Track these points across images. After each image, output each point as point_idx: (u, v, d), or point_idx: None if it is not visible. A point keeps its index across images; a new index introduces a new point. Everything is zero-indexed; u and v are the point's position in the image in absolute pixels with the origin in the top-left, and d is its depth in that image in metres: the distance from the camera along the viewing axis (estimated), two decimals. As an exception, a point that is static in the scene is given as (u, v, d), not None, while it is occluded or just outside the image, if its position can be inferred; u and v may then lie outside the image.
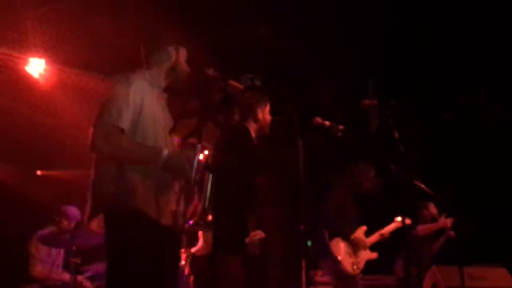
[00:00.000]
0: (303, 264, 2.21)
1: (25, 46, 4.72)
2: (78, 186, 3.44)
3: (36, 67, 4.75)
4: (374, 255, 4.66)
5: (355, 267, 4.45)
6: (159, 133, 2.40)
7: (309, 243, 5.98)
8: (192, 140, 2.14)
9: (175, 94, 2.40)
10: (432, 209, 5.80)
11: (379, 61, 4.92)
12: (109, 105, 2.31)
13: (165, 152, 2.27)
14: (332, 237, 4.47)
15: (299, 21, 4.70)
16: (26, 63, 4.75)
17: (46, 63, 4.79)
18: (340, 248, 4.44)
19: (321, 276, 5.47)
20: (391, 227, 4.74)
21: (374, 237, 4.68)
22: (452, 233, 5.70)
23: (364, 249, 4.60)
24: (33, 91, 4.87)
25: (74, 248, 4.11)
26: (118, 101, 2.31)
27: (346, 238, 4.51)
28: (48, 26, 4.62)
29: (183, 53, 2.54)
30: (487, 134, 5.78)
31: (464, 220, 5.28)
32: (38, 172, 5.05)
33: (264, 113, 3.00)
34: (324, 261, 4.57)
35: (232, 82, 2.08)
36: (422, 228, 5.42)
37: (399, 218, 4.68)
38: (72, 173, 5.35)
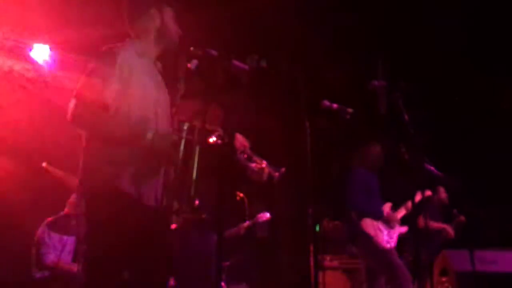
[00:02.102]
0: (311, 248, 2.15)
1: (29, 32, 4.67)
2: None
3: (41, 52, 4.70)
4: (405, 228, 4.61)
5: (388, 241, 4.41)
6: (149, 107, 2.24)
7: (317, 228, 6.02)
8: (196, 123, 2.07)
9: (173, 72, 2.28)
10: (442, 194, 5.76)
11: (388, 41, 4.81)
12: (91, 77, 2.15)
13: (149, 134, 2.14)
14: (360, 217, 4.43)
15: (307, 1, 4.59)
16: (30, 48, 4.70)
17: (51, 49, 4.75)
18: (371, 226, 4.41)
19: (329, 261, 5.46)
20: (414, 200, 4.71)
21: (401, 212, 4.62)
22: (462, 217, 5.66)
23: (395, 224, 4.55)
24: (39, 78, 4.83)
25: (81, 235, 4.09)
26: (102, 73, 2.14)
27: (375, 216, 4.47)
28: (53, 11, 4.56)
29: (168, 13, 2.35)
30: (500, 118, 5.69)
31: (474, 204, 5.22)
32: (44, 164, 5.02)
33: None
34: (356, 242, 4.53)
35: (236, 62, 2.01)
36: (432, 224, 5.37)
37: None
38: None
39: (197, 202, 2.10)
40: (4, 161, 5.13)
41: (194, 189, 2.05)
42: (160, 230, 2.20)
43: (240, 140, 2.98)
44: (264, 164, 2.96)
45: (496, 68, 5.27)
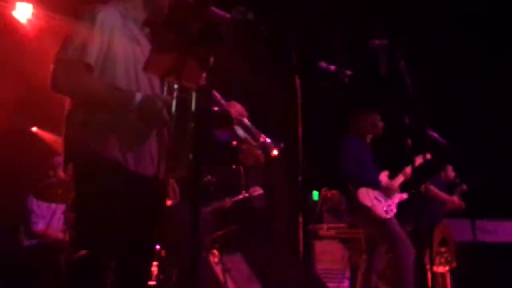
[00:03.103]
0: (300, 219, 2.00)
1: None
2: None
3: (23, 11, 4.47)
4: (404, 195, 4.48)
5: (387, 210, 4.28)
6: (134, 73, 2.11)
7: (315, 197, 5.91)
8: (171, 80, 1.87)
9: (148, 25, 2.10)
10: (450, 172, 5.60)
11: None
12: (72, 38, 2.01)
13: (138, 95, 2.01)
14: (356, 188, 4.30)
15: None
16: (13, 7, 4.47)
17: (34, 7, 4.51)
18: (368, 196, 4.27)
19: (326, 230, 5.36)
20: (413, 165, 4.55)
21: (398, 179, 4.47)
22: (464, 186, 5.52)
23: (394, 193, 4.41)
24: (22, 37, 4.61)
25: (69, 202, 3.96)
26: (83, 34, 2.00)
27: (371, 185, 4.34)
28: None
29: None
30: (502, 82, 5.46)
31: (476, 172, 5.07)
32: (34, 129, 4.83)
33: None
34: (354, 212, 4.41)
35: (215, 9, 1.79)
36: (433, 191, 5.20)
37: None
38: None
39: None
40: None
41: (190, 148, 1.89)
42: (153, 199, 2.09)
43: (237, 108, 2.80)
44: (262, 138, 2.77)
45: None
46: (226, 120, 2.76)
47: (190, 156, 1.77)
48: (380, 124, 4.51)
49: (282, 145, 2.99)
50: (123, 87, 2.07)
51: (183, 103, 1.93)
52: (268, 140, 2.86)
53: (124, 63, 2.08)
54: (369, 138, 4.53)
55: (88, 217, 2.01)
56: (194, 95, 1.82)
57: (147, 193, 2.09)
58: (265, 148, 2.93)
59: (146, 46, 2.21)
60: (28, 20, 4.52)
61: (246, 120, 2.79)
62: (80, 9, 2.09)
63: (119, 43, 2.07)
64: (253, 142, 2.72)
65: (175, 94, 1.90)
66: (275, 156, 2.87)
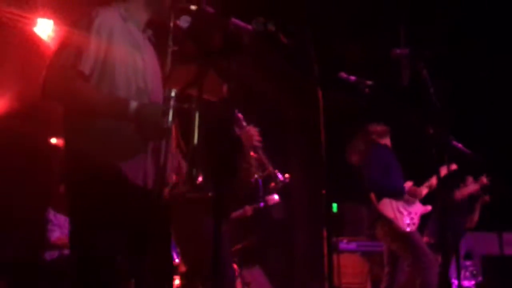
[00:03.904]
0: (324, 233, 1.93)
1: (33, 6, 4.49)
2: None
3: (44, 28, 4.54)
4: (428, 208, 4.36)
5: (410, 223, 4.19)
6: (134, 80, 1.98)
7: (335, 209, 5.83)
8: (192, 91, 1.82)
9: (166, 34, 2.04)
10: (470, 183, 5.45)
11: (413, 3, 4.42)
12: (67, 44, 1.90)
13: (133, 103, 1.89)
14: (379, 198, 4.20)
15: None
16: (34, 23, 4.54)
17: (55, 23, 4.57)
18: (391, 207, 4.18)
19: (346, 244, 5.28)
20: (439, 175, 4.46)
21: (423, 190, 4.34)
22: (487, 197, 5.38)
23: (417, 199, 4.30)
24: (43, 53, 4.67)
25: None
26: (78, 39, 1.88)
27: (396, 196, 4.23)
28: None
29: None
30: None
31: (502, 183, 4.94)
32: (53, 140, 4.85)
33: None
34: (376, 224, 4.32)
35: (236, 21, 1.75)
36: (459, 193, 5.08)
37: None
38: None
39: (200, 178, 1.88)
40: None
41: (196, 164, 1.82)
42: (147, 212, 1.97)
43: (249, 136, 2.74)
44: (268, 171, 2.75)
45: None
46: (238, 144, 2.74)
47: (194, 171, 1.71)
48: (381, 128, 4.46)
49: (287, 178, 2.97)
50: (123, 95, 1.95)
51: (188, 112, 1.86)
52: (273, 171, 2.86)
53: (124, 70, 1.97)
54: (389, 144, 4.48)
55: (85, 230, 1.90)
56: (198, 106, 1.77)
57: (142, 206, 1.96)
58: (272, 178, 2.92)
59: (146, 51, 2.12)
60: (49, 37, 4.57)
61: (258, 148, 2.77)
62: (77, 14, 2.01)
63: (118, 49, 1.97)
64: (259, 172, 2.72)
65: (172, 103, 1.80)
66: (279, 186, 2.86)
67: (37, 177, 5.11)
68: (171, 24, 1.87)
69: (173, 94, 1.76)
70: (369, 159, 4.30)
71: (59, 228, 4.71)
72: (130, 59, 2.00)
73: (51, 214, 4.72)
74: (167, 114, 1.80)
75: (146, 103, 1.97)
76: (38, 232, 4.66)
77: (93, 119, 1.92)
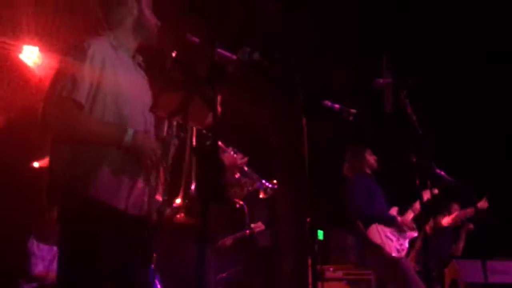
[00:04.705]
0: (309, 261, 1.93)
1: (18, 33, 4.51)
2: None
3: (30, 54, 4.54)
4: (415, 233, 4.35)
5: (399, 249, 4.16)
6: (128, 108, 2.02)
7: (320, 236, 5.80)
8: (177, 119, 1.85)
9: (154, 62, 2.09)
10: (455, 210, 5.49)
11: (394, 34, 4.53)
12: (62, 75, 1.95)
13: (130, 131, 1.93)
14: (367, 225, 4.20)
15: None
16: (20, 50, 4.54)
17: (40, 50, 4.58)
18: (378, 234, 4.17)
19: (332, 272, 5.24)
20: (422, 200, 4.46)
21: (409, 215, 4.36)
22: (471, 225, 5.42)
23: (405, 230, 4.30)
24: (28, 79, 4.66)
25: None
26: (73, 70, 1.93)
27: (384, 220, 4.23)
28: (42, 12, 4.41)
29: (145, 0, 2.14)
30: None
31: (486, 212, 4.98)
32: (35, 165, 4.78)
33: None
34: (364, 251, 4.29)
35: (221, 50, 1.79)
36: (445, 220, 5.11)
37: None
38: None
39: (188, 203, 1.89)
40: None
41: (187, 192, 1.84)
42: (139, 241, 1.98)
43: (230, 158, 2.78)
44: (256, 185, 2.78)
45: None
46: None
47: (185, 194, 1.72)
48: (374, 158, 4.50)
49: (275, 184, 3.00)
50: (114, 122, 1.99)
51: (181, 141, 1.90)
52: (261, 182, 2.89)
53: (116, 97, 2.01)
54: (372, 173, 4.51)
55: (74, 267, 1.89)
56: (193, 134, 1.80)
57: (133, 234, 1.98)
58: (261, 189, 2.96)
59: (137, 76, 2.16)
60: (35, 63, 4.57)
61: (241, 169, 2.80)
62: (70, 44, 2.06)
63: (110, 78, 2.01)
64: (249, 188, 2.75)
65: (165, 132, 1.85)
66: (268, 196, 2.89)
67: (20, 204, 5.01)
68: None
69: (166, 125, 1.80)
70: (353, 187, 4.32)
71: (41, 261, 4.60)
72: (123, 85, 2.04)
73: (34, 246, 4.61)
74: (167, 143, 1.86)
75: (141, 131, 2.00)
76: (20, 264, 4.54)
77: (83, 147, 1.94)
